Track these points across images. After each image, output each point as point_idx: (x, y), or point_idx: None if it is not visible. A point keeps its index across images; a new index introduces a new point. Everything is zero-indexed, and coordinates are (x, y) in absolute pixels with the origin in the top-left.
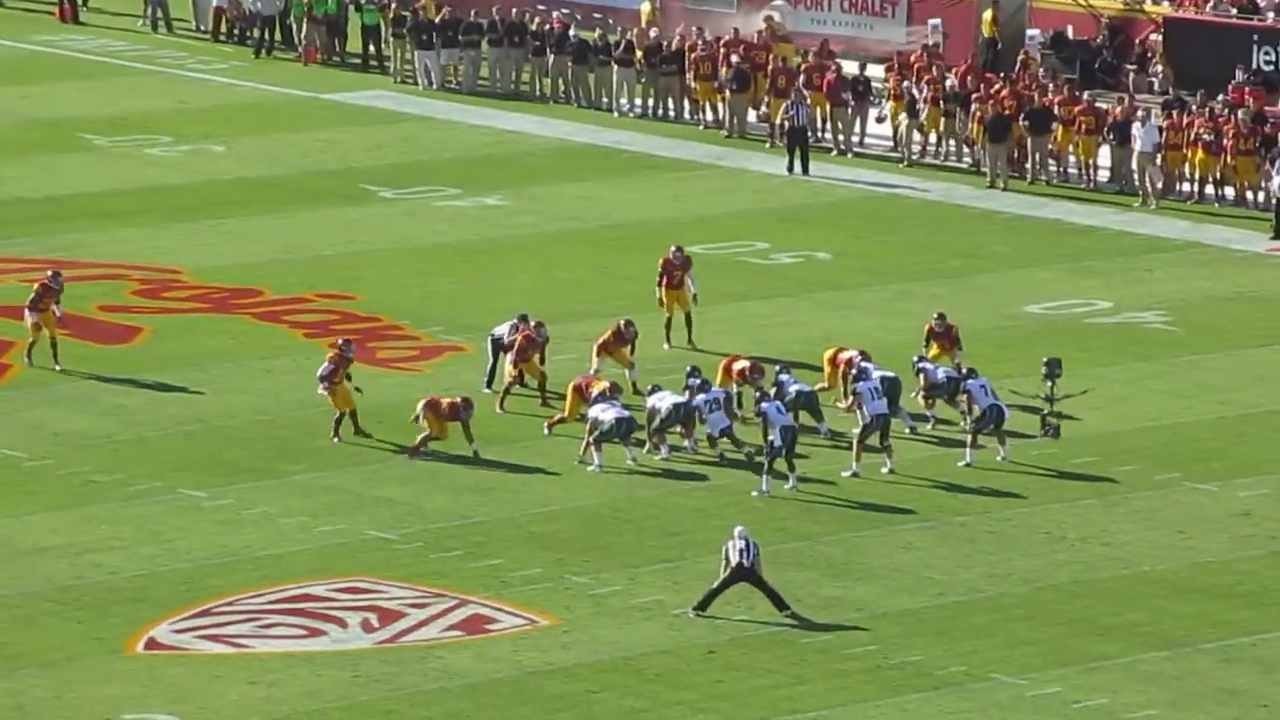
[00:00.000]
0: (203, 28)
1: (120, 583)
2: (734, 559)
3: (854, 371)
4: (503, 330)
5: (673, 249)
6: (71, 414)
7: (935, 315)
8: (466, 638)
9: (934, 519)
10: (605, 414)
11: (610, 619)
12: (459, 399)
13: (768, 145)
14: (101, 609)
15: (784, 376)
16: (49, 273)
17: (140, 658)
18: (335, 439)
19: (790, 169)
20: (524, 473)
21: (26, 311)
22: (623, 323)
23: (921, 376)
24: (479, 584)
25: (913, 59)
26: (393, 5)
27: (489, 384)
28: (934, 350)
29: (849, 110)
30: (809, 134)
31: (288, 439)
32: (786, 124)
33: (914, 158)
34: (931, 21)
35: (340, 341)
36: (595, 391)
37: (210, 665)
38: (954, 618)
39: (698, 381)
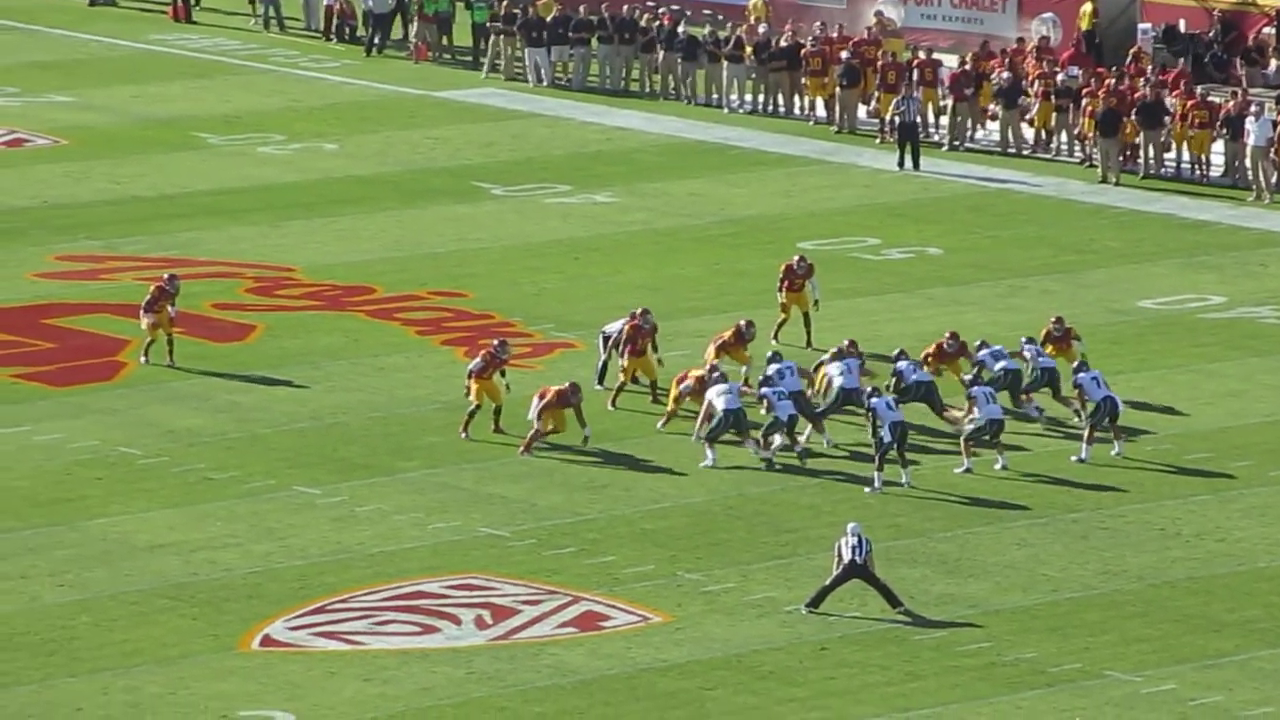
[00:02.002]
0: (314, 26)
1: (235, 580)
2: (846, 556)
3: (970, 374)
4: (614, 327)
5: (796, 258)
6: (186, 411)
7: (1053, 320)
8: (580, 634)
9: (1047, 515)
10: (718, 401)
11: (722, 616)
12: (566, 385)
13: (878, 141)
14: (216, 606)
15: (902, 364)
16: (165, 275)
17: (255, 655)
18: (464, 434)
19: (901, 164)
20: (636, 470)
21: (141, 313)
22: (744, 323)
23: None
24: (592, 581)
25: (1023, 52)
26: (503, 2)
27: (600, 380)
28: (1050, 350)
29: (968, 105)
30: (919, 129)
31: (400, 436)
32: (897, 119)
33: (1024, 152)
34: (1044, 15)
35: (496, 342)
36: (702, 375)
37: (325, 662)
38: (1068, 614)
39: (775, 370)
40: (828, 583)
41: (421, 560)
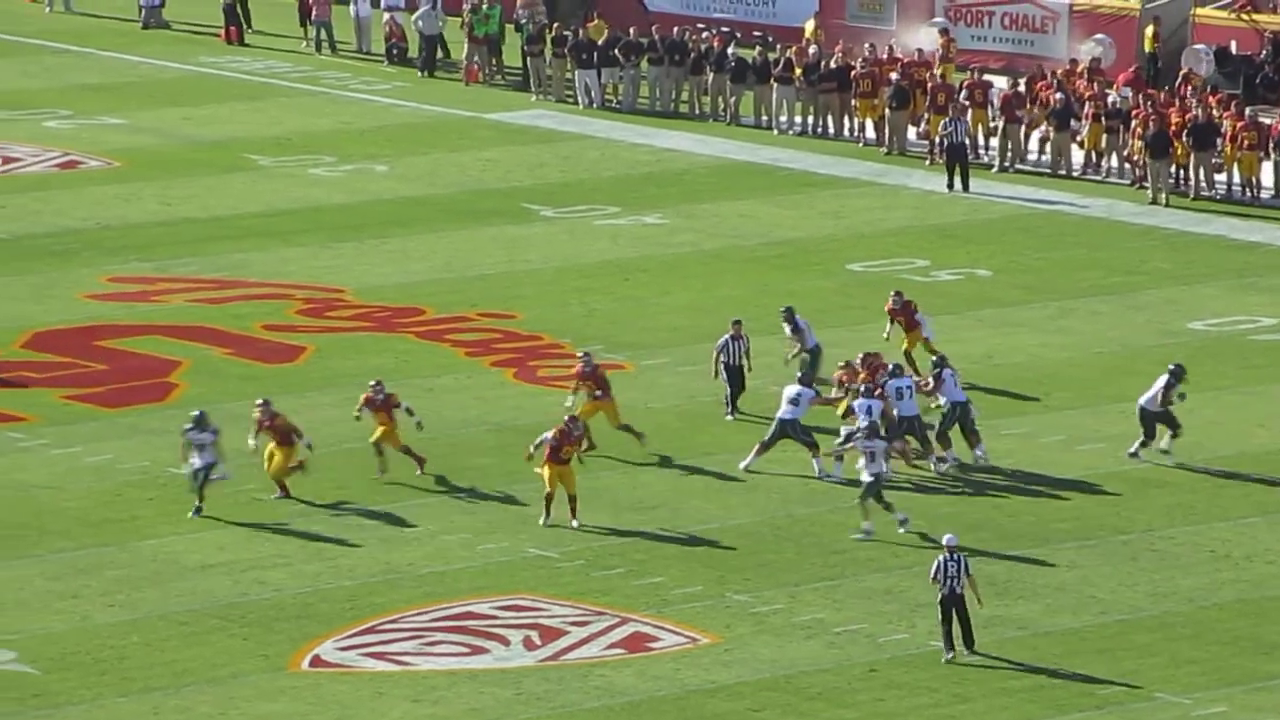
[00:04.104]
0: (365, 49)
1: (285, 600)
2: (944, 585)
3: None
4: (723, 342)
5: (892, 294)
6: (236, 433)
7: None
8: (628, 656)
9: (1096, 537)
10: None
11: (771, 637)
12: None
13: (927, 162)
14: (266, 626)
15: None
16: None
17: (305, 675)
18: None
19: (950, 186)
20: (683, 491)
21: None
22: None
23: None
24: (640, 602)
25: (1074, 74)
26: (554, 25)
27: (731, 412)
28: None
29: (1020, 127)
30: (968, 150)
31: (449, 456)
32: (945, 141)
33: (1074, 173)
34: (1096, 36)
35: (567, 419)
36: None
37: (374, 683)
38: (1117, 636)
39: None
40: (940, 618)
41: (470, 581)
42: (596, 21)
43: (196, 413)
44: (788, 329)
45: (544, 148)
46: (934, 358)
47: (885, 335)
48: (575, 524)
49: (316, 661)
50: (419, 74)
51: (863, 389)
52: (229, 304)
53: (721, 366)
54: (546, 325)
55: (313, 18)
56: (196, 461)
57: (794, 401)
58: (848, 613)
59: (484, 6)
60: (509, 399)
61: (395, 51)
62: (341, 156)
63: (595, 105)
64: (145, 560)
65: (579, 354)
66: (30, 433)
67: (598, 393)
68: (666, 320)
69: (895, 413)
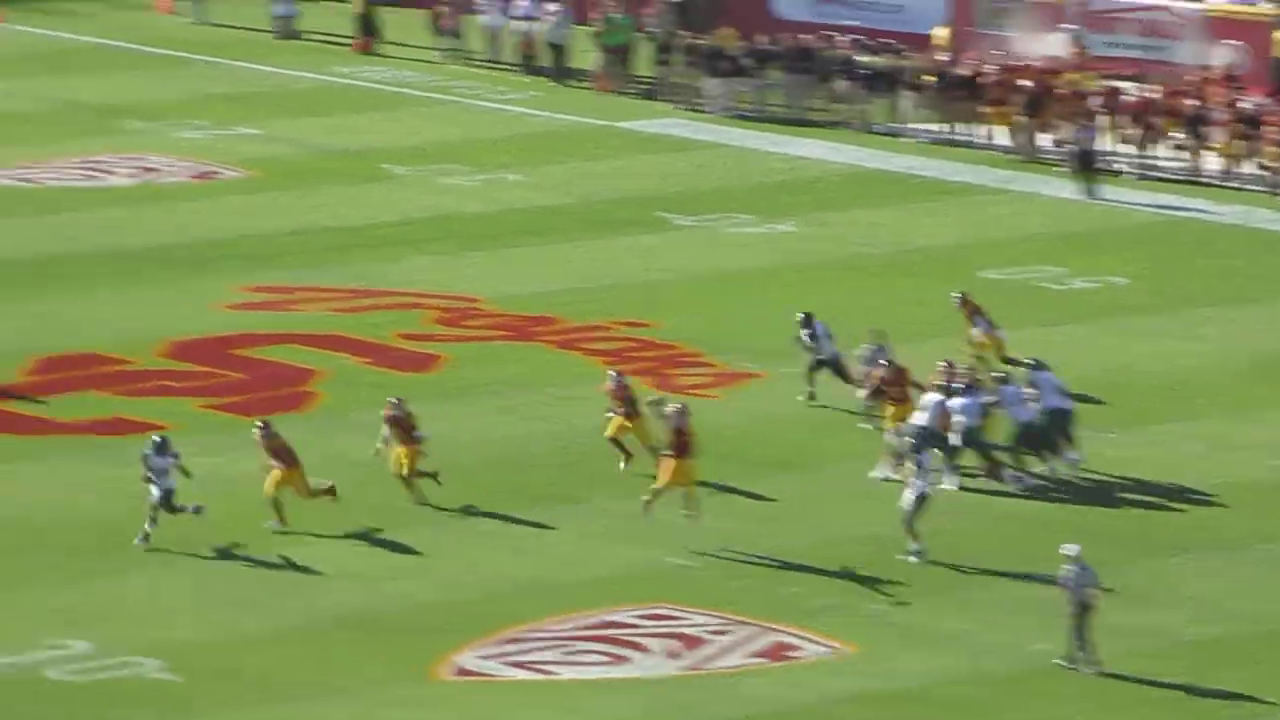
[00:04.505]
0: (498, 58)
1: (425, 609)
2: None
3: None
4: (862, 353)
5: (955, 295)
6: (372, 442)
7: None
8: (769, 665)
9: (1238, 547)
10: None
11: (912, 647)
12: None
13: (1060, 169)
14: (407, 635)
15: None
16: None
17: (446, 684)
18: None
19: (1080, 192)
20: (818, 499)
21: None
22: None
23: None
24: (781, 611)
25: (1208, 80)
26: (685, 33)
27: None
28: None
29: (1153, 134)
30: (1096, 157)
31: (587, 465)
32: (1075, 147)
33: (1209, 180)
34: (1230, 42)
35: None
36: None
37: (516, 692)
38: (1264, 647)
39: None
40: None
41: (609, 590)
42: (726, 29)
43: (157, 438)
44: (805, 335)
45: (676, 156)
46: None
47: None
48: (688, 514)
49: (458, 671)
50: (551, 83)
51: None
52: (365, 313)
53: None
54: (681, 334)
55: (445, 27)
56: (155, 490)
57: (926, 409)
58: (989, 623)
59: (614, 16)
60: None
61: (528, 61)
62: (475, 166)
63: (726, 113)
64: (285, 570)
65: (610, 372)
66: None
67: (623, 410)
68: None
69: (1015, 418)
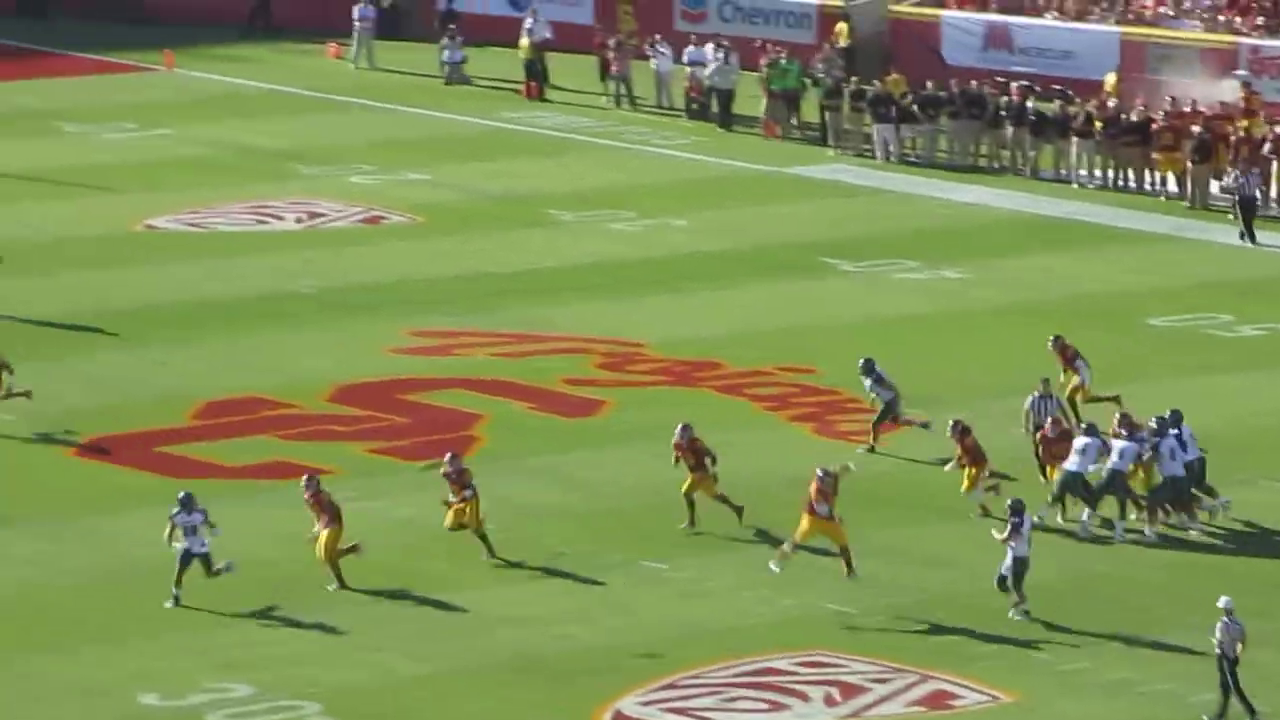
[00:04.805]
0: (665, 104)
1: (585, 654)
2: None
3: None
4: (1033, 400)
5: (1051, 339)
6: (537, 486)
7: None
8: (929, 713)
9: None
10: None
11: (1074, 696)
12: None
13: (1231, 217)
14: (567, 680)
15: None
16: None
17: None
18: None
19: (1242, 237)
20: (980, 546)
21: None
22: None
23: None
24: (940, 658)
25: None
26: (853, 79)
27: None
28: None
29: None
30: (1259, 202)
31: (747, 511)
32: (1238, 193)
33: None
34: None
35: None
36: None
37: None
38: None
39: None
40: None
41: (769, 636)
42: (895, 75)
43: (182, 494)
44: (868, 382)
45: (842, 202)
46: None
47: (1062, 383)
48: (849, 576)
49: (618, 717)
50: (718, 128)
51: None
52: (530, 358)
53: (1032, 425)
54: (845, 380)
55: (612, 72)
56: (182, 545)
57: (1081, 452)
58: (1152, 672)
59: (781, 61)
60: (807, 453)
61: (695, 106)
62: (641, 211)
63: (893, 159)
64: (446, 613)
65: (679, 426)
66: (336, 485)
67: (693, 463)
68: (965, 375)
69: (1162, 472)
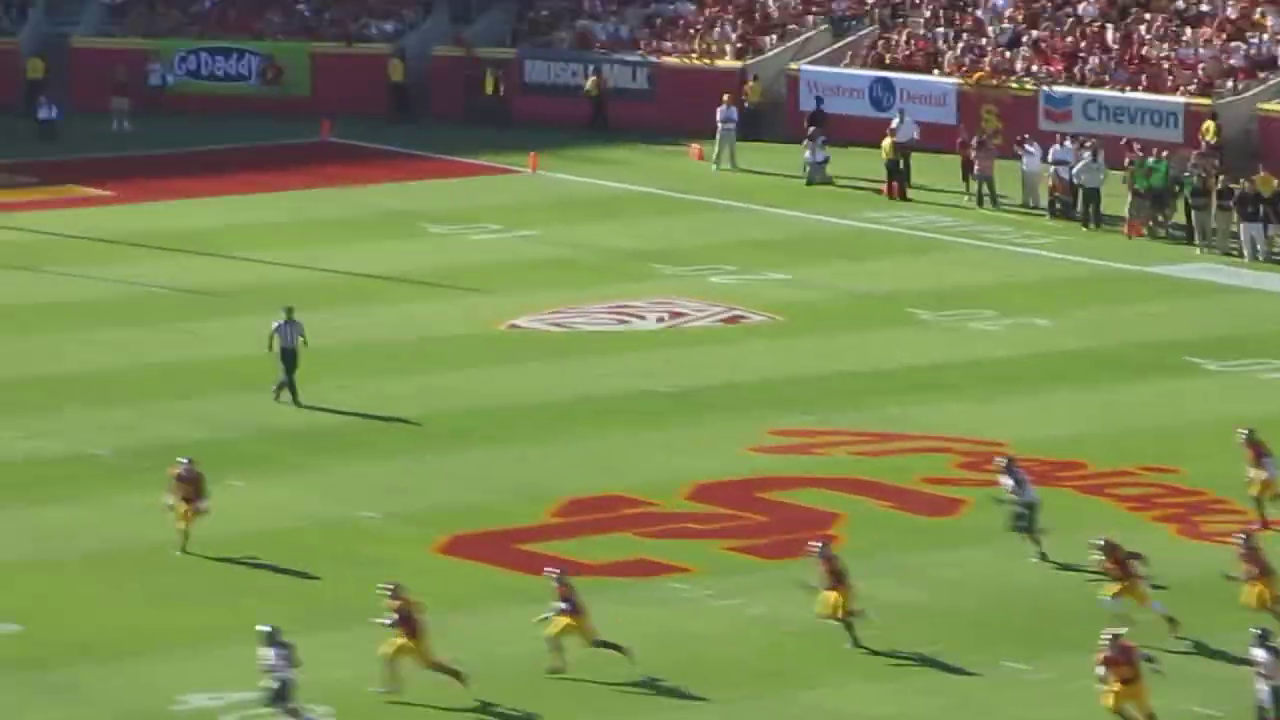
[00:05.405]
0: (1030, 203)
1: None
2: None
3: None
4: None
5: (1241, 432)
6: (891, 584)
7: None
8: None
9: None
10: None
11: None
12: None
13: None
14: None
15: None
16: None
17: None
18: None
19: None
20: None
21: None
22: None
23: None
24: None
25: None
26: (1220, 177)
27: None
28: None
29: None
30: None
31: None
32: None
33: None
34: None
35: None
36: None
37: None
38: None
39: None
40: None
41: None
42: (1264, 174)
43: (267, 628)
44: (1009, 481)
45: (1207, 301)
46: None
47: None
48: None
49: None
50: (1082, 227)
51: None
52: (889, 456)
53: None
54: (1210, 481)
55: (975, 172)
56: (272, 680)
57: None
58: None
59: (1149, 160)
60: (1171, 554)
61: (1059, 205)
62: (1002, 310)
63: (1261, 258)
64: (806, 712)
65: (813, 544)
66: (693, 583)
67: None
68: None
69: None
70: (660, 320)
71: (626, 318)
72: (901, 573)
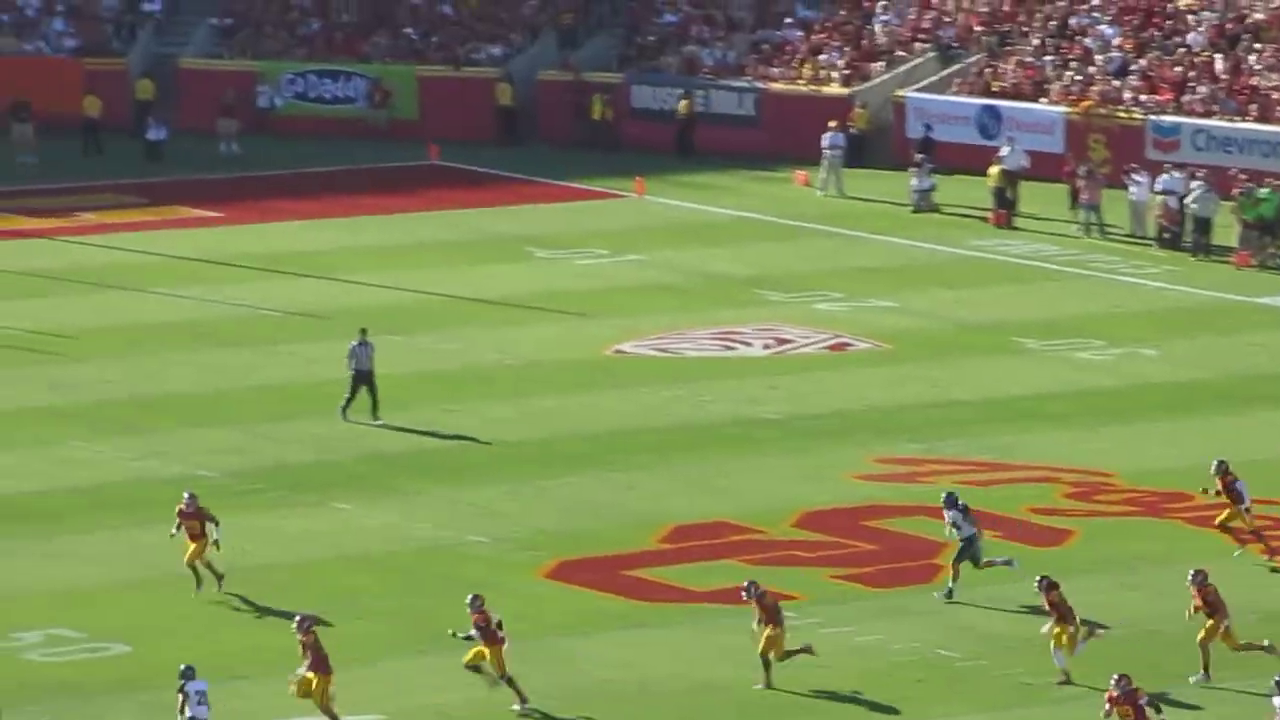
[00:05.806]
0: (1139, 232)
1: None
2: None
3: None
4: None
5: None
6: (997, 616)
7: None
8: None
9: None
10: None
11: None
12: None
13: None
14: None
15: None
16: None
17: None
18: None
19: None
20: None
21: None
22: None
23: None
24: None
25: None
26: None
27: None
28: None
29: None
30: None
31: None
32: None
33: None
34: None
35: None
36: None
37: None
38: None
39: None
40: None
41: None
42: None
43: (184, 666)
44: (951, 516)
45: None
46: None
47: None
48: None
49: None
50: (1191, 257)
51: None
52: (996, 486)
53: None
54: None
55: (1082, 200)
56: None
57: None
58: None
59: (1258, 191)
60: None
61: (1167, 235)
62: (1110, 340)
63: None
64: None
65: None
66: (801, 612)
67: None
68: None
69: None
70: (766, 347)
71: (732, 344)
72: (1008, 603)
